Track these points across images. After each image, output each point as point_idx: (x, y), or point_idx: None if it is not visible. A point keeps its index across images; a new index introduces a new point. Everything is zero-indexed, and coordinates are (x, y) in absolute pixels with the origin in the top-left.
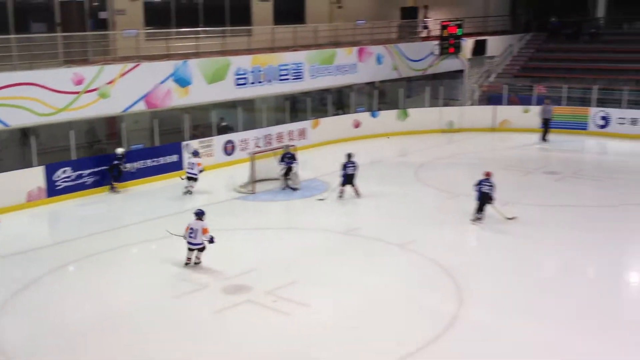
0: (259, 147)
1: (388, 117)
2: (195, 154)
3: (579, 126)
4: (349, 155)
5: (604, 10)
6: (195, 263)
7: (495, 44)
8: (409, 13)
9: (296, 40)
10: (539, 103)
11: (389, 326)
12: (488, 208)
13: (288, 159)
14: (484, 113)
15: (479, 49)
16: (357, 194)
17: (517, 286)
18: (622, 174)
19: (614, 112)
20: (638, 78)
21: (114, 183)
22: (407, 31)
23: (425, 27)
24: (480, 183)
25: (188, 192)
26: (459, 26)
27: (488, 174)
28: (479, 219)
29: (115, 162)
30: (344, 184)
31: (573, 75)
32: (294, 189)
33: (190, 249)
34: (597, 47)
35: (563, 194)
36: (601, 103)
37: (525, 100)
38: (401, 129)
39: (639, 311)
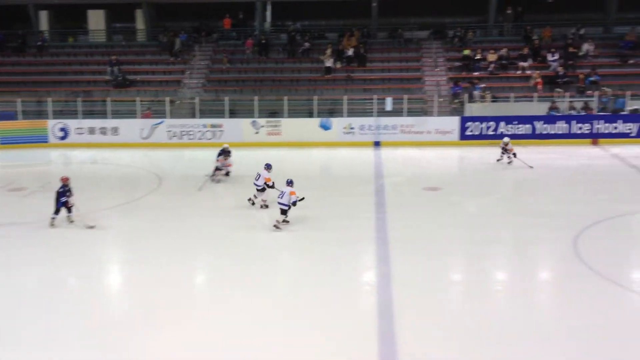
0: None
1: None
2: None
3: (39, 139)
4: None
5: (47, 24)
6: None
7: None
8: None
9: None
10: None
11: None
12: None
13: None
14: None
15: None
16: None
17: None
18: (89, 182)
19: (71, 123)
20: (87, 89)
21: None
22: None
23: None
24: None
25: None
26: None
27: (64, 180)
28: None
29: None
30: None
31: (25, 88)
32: None
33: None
34: (46, 59)
35: (31, 212)
36: (59, 115)
37: None
38: None
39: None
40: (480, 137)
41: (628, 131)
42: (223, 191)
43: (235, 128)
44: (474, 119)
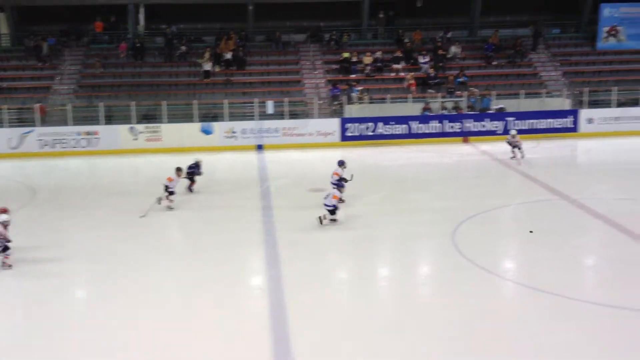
0: None
1: None
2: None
3: None
4: None
5: None
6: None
7: None
8: None
9: None
10: None
11: None
12: None
13: None
14: None
15: None
16: None
17: None
18: None
19: None
20: None
21: None
22: None
23: None
24: None
25: None
26: None
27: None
28: None
29: None
30: None
31: None
32: None
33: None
34: None
35: None
36: None
37: None
38: None
39: None
40: (360, 137)
41: (495, 129)
42: (103, 202)
43: (112, 135)
44: (353, 120)
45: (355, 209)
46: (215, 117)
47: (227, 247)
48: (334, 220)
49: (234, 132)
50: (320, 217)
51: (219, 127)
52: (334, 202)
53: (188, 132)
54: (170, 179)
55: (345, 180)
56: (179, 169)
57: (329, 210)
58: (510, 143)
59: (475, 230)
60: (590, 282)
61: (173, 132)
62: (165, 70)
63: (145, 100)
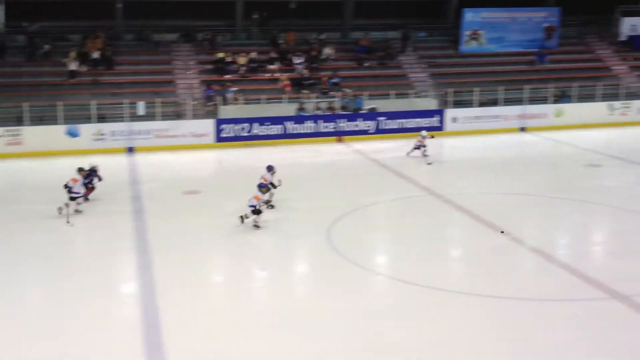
0: None
1: None
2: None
3: None
4: None
5: None
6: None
7: None
8: None
9: None
10: None
11: None
12: None
13: None
14: None
15: None
16: None
17: None
18: None
19: None
20: None
21: None
22: None
23: None
24: None
25: None
26: None
27: None
28: None
29: None
30: None
31: None
32: None
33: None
34: None
35: None
36: None
37: None
38: None
39: None
40: (236, 138)
41: (367, 128)
42: None
43: None
44: (228, 121)
45: (232, 210)
46: (82, 119)
47: (97, 255)
48: (257, 226)
49: (102, 135)
50: (242, 216)
51: (86, 129)
52: (254, 202)
53: (52, 135)
54: (74, 180)
55: (274, 186)
56: (81, 169)
57: (252, 211)
58: (419, 143)
59: (349, 228)
60: (458, 272)
61: (36, 135)
62: (27, 70)
63: (5, 102)
